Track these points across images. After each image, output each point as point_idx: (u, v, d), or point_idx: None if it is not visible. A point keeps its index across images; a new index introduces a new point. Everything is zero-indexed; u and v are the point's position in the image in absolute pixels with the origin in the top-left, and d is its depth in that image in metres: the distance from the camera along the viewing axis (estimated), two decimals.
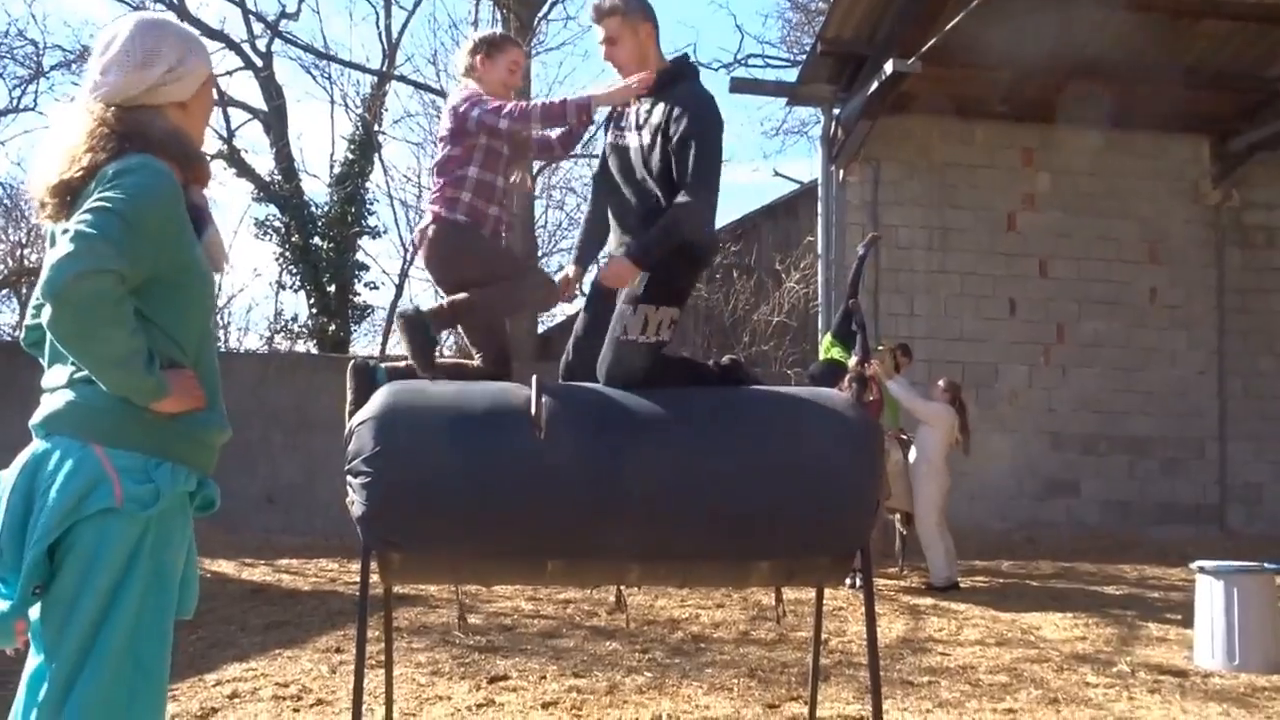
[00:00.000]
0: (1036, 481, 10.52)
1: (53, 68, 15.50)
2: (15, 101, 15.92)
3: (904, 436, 7.86)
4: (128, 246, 1.90)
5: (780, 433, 3.20)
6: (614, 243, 3.54)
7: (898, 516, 7.91)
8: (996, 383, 10.52)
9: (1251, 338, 10.90)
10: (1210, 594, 5.42)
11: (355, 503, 3.04)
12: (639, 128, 3.40)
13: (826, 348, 8.06)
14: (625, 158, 3.43)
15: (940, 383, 7.87)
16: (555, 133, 3.85)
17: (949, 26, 7.93)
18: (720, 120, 3.34)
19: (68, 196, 2.00)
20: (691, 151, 3.24)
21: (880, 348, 8.18)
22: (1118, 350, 10.70)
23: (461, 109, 3.60)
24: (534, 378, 3.18)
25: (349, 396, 3.37)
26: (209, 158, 2.38)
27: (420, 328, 3.44)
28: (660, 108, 3.34)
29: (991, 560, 8.82)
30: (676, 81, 3.41)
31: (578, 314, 3.69)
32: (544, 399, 3.08)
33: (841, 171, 10.32)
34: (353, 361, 3.51)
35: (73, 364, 1.98)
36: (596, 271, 3.63)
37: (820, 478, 3.14)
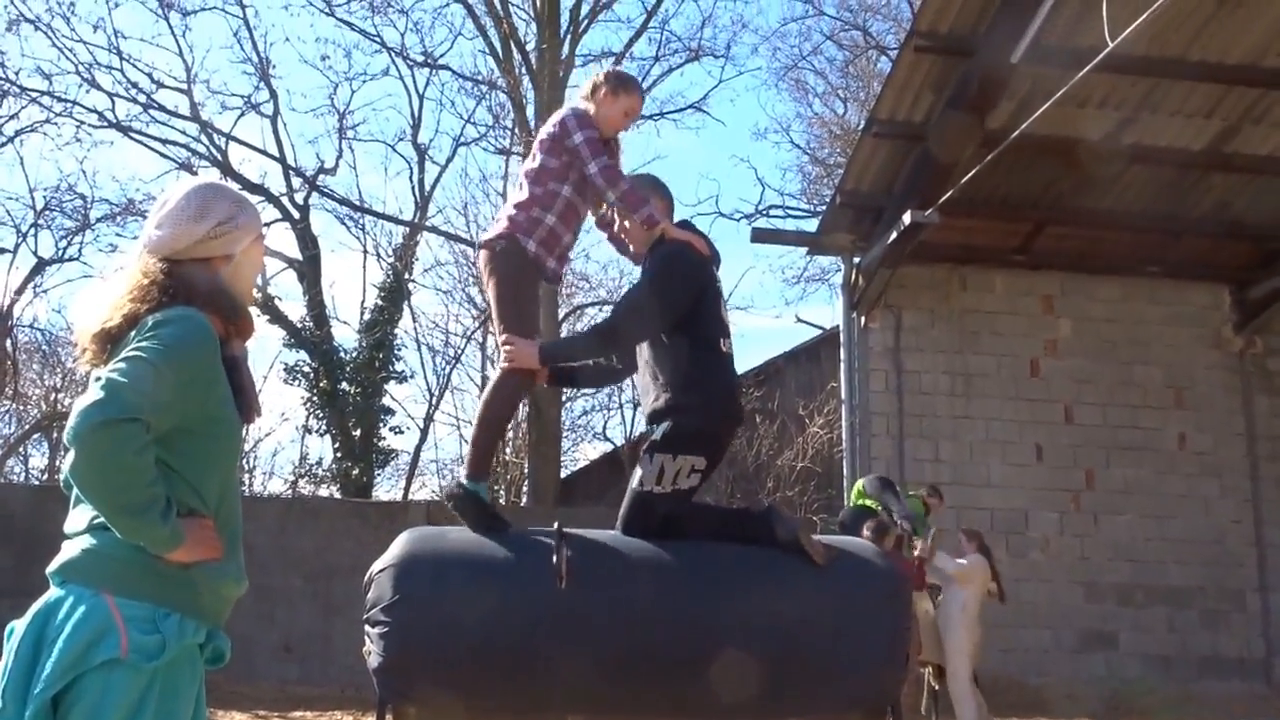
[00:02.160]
0: (1072, 634, 10.15)
1: (98, 220, 16.10)
2: (61, 252, 16.52)
3: (932, 583, 7.63)
4: (156, 396, 1.92)
5: (805, 584, 3.14)
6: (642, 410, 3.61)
7: (930, 670, 7.63)
8: (1027, 530, 10.31)
9: None
10: None
11: (372, 653, 2.99)
12: None
13: (857, 494, 7.90)
14: None
15: (962, 535, 7.66)
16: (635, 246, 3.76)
17: (965, 178, 8.13)
18: (675, 260, 3.39)
19: (107, 344, 2.05)
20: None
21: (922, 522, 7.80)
22: (1149, 497, 10.50)
23: (570, 124, 3.50)
24: (556, 525, 3.15)
25: (470, 523, 3.22)
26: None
27: (471, 500, 3.27)
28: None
29: (1029, 718, 8.46)
30: (659, 246, 3.49)
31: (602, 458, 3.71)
32: (566, 548, 3.05)
33: (863, 318, 10.44)
34: (449, 496, 3.30)
35: (93, 509, 1.99)
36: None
37: (847, 631, 3.06)
